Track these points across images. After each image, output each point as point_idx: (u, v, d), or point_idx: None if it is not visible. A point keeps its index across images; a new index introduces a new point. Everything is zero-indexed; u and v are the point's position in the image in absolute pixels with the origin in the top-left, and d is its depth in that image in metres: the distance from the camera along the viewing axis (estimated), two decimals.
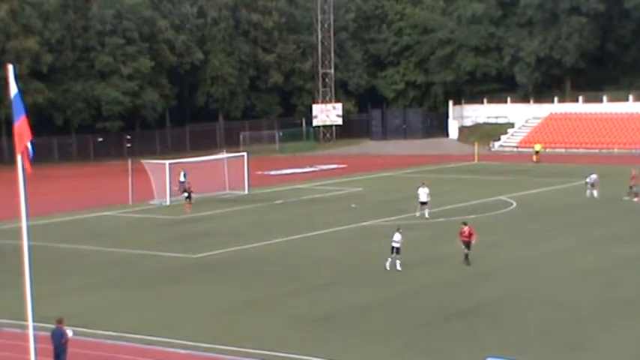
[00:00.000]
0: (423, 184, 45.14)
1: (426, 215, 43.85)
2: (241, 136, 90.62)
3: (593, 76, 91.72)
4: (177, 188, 54.26)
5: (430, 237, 39.16)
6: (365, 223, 43.06)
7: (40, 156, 17.92)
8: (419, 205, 44.45)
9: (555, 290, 28.44)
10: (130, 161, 54.94)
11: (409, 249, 36.49)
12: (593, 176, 50.10)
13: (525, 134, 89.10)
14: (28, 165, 18.14)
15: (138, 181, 53.39)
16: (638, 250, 34.52)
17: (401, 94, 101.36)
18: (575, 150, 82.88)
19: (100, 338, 23.93)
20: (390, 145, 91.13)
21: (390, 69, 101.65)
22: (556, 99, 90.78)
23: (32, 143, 18.25)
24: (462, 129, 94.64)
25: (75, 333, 21.09)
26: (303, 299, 28.05)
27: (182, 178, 55.82)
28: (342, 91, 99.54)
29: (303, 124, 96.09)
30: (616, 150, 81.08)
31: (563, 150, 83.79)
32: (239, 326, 25.02)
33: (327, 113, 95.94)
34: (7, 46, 78.21)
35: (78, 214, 49.47)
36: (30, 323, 18.82)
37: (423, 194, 44.36)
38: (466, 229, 32.48)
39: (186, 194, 49.65)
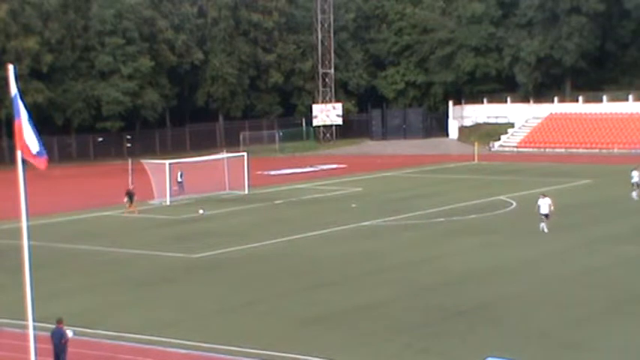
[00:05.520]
0: (544, 195, 40.12)
1: (545, 230, 38.70)
2: (241, 136, 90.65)
3: (593, 76, 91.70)
4: (176, 188, 54.33)
5: (430, 237, 39.16)
6: (365, 223, 43.07)
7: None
8: (542, 218, 39.10)
9: (555, 290, 28.43)
10: (130, 161, 54.95)
11: (409, 249, 36.58)
12: (636, 173, 47.10)
13: (525, 134, 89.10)
14: (41, 162, 18.22)
15: (138, 181, 53.39)
16: (638, 250, 34.52)
17: (401, 94, 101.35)
18: (575, 150, 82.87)
19: (100, 338, 23.92)
20: (390, 145, 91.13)
21: (390, 69, 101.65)
22: (556, 99, 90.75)
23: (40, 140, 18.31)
24: (462, 129, 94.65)
25: (75, 333, 21.08)
26: (303, 299, 28.05)
27: (179, 179, 55.82)
28: (342, 91, 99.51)
29: (303, 124, 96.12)
30: (616, 150, 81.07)
31: (563, 150, 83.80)
32: (239, 326, 25.01)
33: (327, 113, 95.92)
34: (7, 46, 78.27)
35: (78, 214, 49.49)
36: (30, 323, 18.81)
37: (545, 205, 39.15)
38: None
39: (127, 197, 48.91)
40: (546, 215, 39.01)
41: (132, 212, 48.37)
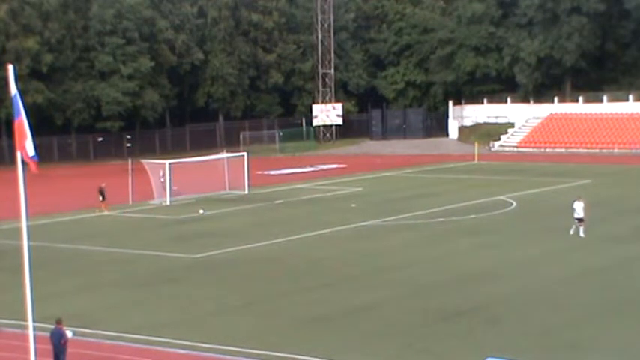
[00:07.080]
0: (580, 197, 38.72)
1: (581, 234, 37.38)
2: (241, 136, 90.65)
3: (593, 76, 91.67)
4: (176, 188, 54.25)
5: (430, 237, 39.15)
6: (365, 223, 43.06)
7: (40, 156, 18.02)
8: (575, 222, 37.89)
9: (555, 290, 28.43)
10: (130, 161, 54.94)
11: (409, 249, 36.59)
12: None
13: (525, 134, 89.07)
14: (33, 166, 18.22)
15: (138, 181, 53.40)
16: (638, 250, 34.52)
17: (401, 94, 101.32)
18: (575, 150, 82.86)
19: (100, 338, 23.92)
20: (390, 145, 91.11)
21: (390, 69, 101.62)
22: (556, 99, 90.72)
23: (34, 143, 18.29)
24: (462, 129, 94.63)
25: (75, 333, 21.08)
26: (303, 299, 28.05)
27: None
28: (342, 91, 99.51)
29: (303, 124, 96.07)
30: (616, 150, 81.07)
31: (563, 150, 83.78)
32: (239, 326, 25.01)
33: (327, 113, 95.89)
34: (7, 46, 78.24)
35: (78, 214, 49.48)
36: (30, 323, 18.81)
37: (579, 209, 37.78)
38: None
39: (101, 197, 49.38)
40: (581, 219, 37.82)
41: (102, 211, 48.57)
